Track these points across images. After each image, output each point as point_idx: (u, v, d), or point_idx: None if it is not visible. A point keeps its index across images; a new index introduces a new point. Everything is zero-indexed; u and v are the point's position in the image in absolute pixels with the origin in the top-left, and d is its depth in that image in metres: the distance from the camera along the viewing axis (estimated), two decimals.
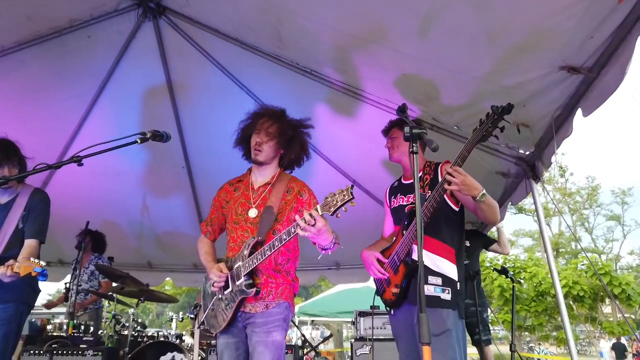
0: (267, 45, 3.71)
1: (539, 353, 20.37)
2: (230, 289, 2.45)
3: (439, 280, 2.36)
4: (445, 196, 2.45)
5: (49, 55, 3.91)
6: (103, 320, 4.92)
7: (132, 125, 4.73)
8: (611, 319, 15.69)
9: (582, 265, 12.00)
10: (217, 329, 2.52)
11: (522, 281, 11.88)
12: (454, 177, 2.16)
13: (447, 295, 2.34)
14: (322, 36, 3.34)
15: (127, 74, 4.30)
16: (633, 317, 24.01)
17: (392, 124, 2.83)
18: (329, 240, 2.26)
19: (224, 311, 2.48)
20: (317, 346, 5.20)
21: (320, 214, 2.07)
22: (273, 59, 3.76)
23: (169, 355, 3.96)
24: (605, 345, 18.84)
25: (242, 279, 2.38)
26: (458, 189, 2.19)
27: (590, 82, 2.60)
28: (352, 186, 2.03)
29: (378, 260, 2.61)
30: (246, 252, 2.41)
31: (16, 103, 4.34)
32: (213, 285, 2.52)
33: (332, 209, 2.04)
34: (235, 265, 2.45)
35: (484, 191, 2.23)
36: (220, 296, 2.52)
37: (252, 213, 2.57)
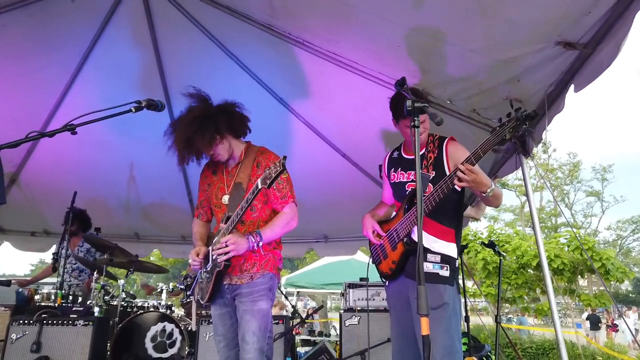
0: (258, 14, 3.62)
1: (517, 324, 21.02)
2: (210, 263, 2.58)
3: (437, 258, 2.40)
4: None
5: (31, 21, 3.77)
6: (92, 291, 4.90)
7: (118, 94, 4.60)
8: (587, 291, 16.18)
9: (564, 239, 12.28)
10: (203, 299, 2.67)
11: (505, 254, 12.13)
12: (465, 174, 2.15)
13: (445, 272, 2.38)
14: (314, 4, 3.27)
15: (113, 41, 4.18)
16: (608, 289, 24.81)
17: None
18: (251, 248, 2.46)
19: (207, 284, 2.63)
20: (307, 317, 5.27)
21: (260, 187, 2.21)
22: (264, 28, 3.67)
23: (160, 325, 3.98)
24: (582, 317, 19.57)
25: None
26: (468, 186, 2.20)
27: (585, 58, 2.59)
28: (285, 157, 2.14)
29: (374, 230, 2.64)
30: (223, 226, 2.53)
31: None
32: (189, 267, 2.72)
33: (268, 182, 2.17)
34: (214, 240, 2.59)
35: (493, 187, 2.24)
36: (203, 270, 2.67)
37: (225, 200, 2.70)
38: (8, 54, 4.09)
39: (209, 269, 2.59)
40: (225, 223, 2.50)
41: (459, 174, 2.17)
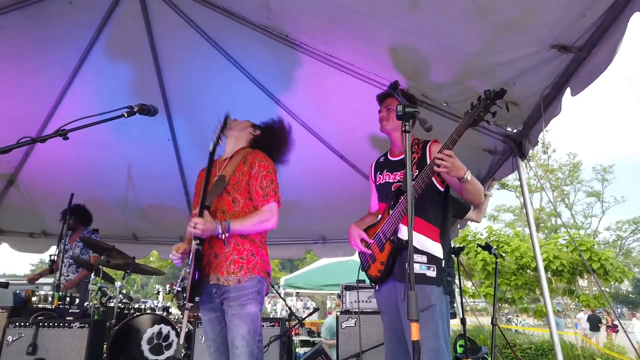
0: (255, 16, 3.63)
1: (516, 325, 21.01)
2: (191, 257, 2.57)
3: (424, 258, 2.39)
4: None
5: (29, 22, 3.78)
6: (89, 292, 4.91)
7: (116, 95, 4.64)
8: (587, 292, 16.16)
9: (563, 240, 12.27)
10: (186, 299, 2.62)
11: (504, 255, 12.11)
12: (443, 160, 2.17)
13: (432, 273, 2.38)
14: (311, 7, 3.27)
15: (111, 43, 4.19)
16: (608, 290, 24.81)
17: (389, 93, 2.69)
18: (216, 234, 2.43)
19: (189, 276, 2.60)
20: (304, 319, 5.27)
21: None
22: (261, 30, 3.68)
23: (156, 327, 3.98)
24: (582, 317, 19.55)
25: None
26: (447, 172, 2.21)
27: (580, 62, 2.59)
28: (228, 115, 2.38)
29: (363, 240, 2.64)
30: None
31: None
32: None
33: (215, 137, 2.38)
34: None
35: (469, 172, 2.25)
36: (186, 269, 2.65)
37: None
38: (6, 55, 4.10)
39: (190, 264, 2.55)
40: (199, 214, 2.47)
41: (437, 161, 2.20)
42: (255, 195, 2.60)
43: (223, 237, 2.43)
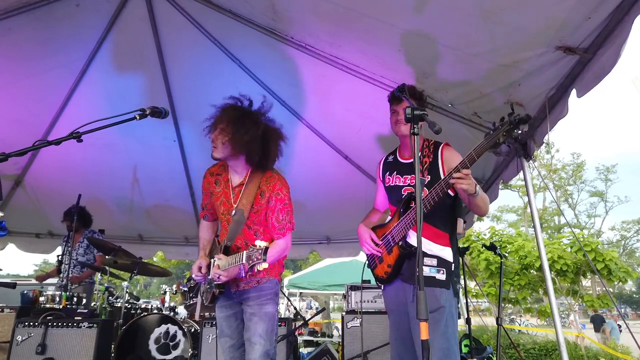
0: (261, 18, 3.65)
1: (520, 325, 21.00)
2: (210, 277, 2.65)
3: (434, 262, 2.42)
4: None
5: (36, 24, 3.82)
6: (95, 293, 4.95)
7: (122, 96, 4.68)
8: (590, 292, 16.13)
9: (567, 240, 12.24)
10: (206, 302, 2.76)
11: (507, 255, 12.07)
12: (462, 179, 2.17)
13: (441, 276, 2.40)
14: (317, 9, 3.29)
15: (117, 45, 4.23)
16: (611, 290, 24.78)
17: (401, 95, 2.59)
18: (239, 276, 2.59)
19: (207, 292, 2.72)
20: (310, 319, 5.29)
21: (244, 262, 2.29)
22: (267, 31, 3.70)
23: (163, 327, 4.01)
24: (576, 319, 19.53)
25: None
26: (465, 189, 2.22)
27: (585, 63, 2.60)
28: (267, 249, 2.21)
29: (372, 240, 2.66)
30: (221, 257, 2.57)
31: (2, 71, 4.25)
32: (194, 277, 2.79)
33: (250, 264, 2.24)
34: (212, 258, 2.66)
35: (479, 187, 2.30)
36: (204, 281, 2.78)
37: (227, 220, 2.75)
38: (14, 56, 4.14)
39: (209, 280, 2.68)
40: (223, 252, 2.56)
41: (454, 180, 2.19)
42: (272, 227, 2.67)
43: (247, 276, 2.59)
